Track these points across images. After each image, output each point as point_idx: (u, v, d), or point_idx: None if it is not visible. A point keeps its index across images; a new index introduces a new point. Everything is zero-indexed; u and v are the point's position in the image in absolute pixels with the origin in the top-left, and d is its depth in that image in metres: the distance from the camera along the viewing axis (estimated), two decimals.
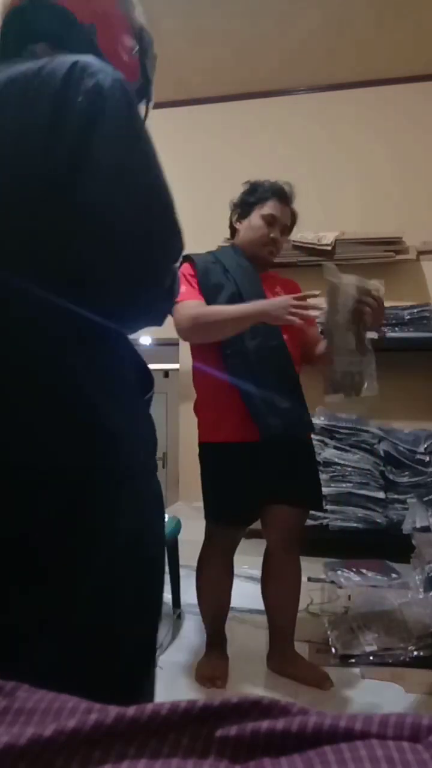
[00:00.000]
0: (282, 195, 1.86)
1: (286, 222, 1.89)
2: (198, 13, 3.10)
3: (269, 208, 1.85)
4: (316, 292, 1.66)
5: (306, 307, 1.59)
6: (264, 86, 3.71)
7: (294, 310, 1.57)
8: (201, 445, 1.88)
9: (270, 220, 1.85)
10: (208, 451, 1.86)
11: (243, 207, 1.90)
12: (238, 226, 1.93)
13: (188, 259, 1.86)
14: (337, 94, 3.69)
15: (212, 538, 1.91)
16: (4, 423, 0.72)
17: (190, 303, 1.74)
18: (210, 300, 1.78)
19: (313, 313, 1.61)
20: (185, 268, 1.84)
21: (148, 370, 0.89)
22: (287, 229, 1.91)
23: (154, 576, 0.85)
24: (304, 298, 1.63)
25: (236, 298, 1.78)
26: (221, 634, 1.98)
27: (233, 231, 1.97)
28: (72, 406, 0.75)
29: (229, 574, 1.94)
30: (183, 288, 1.78)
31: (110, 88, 0.75)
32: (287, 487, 1.81)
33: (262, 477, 1.78)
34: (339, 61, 3.47)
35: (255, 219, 1.87)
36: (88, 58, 0.77)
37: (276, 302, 1.63)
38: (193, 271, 1.83)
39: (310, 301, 1.63)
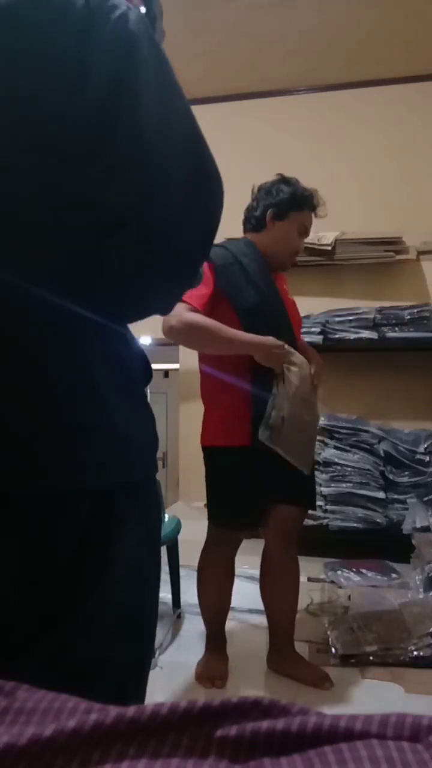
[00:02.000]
0: (315, 209, 1.91)
1: (309, 234, 1.95)
2: (198, 14, 3.10)
3: (306, 220, 1.88)
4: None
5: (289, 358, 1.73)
6: (264, 86, 3.71)
7: (281, 360, 1.71)
8: (207, 448, 1.86)
9: (302, 232, 1.88)
10: (214, 455, 1.85)
11: (281, 207, 1.85)
12: (270, 224, 1.86)
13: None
14: (337, 94, 3.69)
15: (214, 539, 1.91)
16: (8, 435, 0.65)
17: (189, 305, 1.72)
18: (232, 303, 1.77)
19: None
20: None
21: (147, 358, 0.82)
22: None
23: (152, 588, 0.82)
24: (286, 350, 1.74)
25: (264, 306, 1.79)
26: (221, 634, 1.97)
27: (260, 225, 1.88)
28: (87, 411, 0.68)
29: (230, 576, 1.94)
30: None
31: (137, 22, 0.66)
32: (288, 488, 1.80)
33: (266, 480, 1.76)
34: (339, 61, 3.47)
35: (290, 227, 1.86)
36: None
37: (268, 346, 1.71)
38: (211, 271, 1.77)
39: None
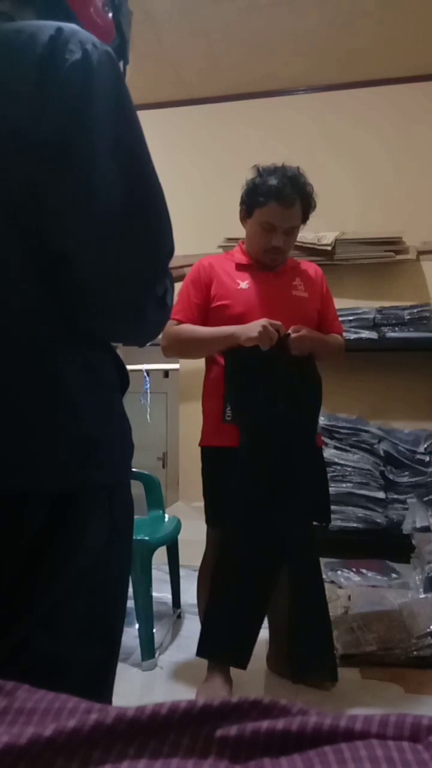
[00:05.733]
0: (281, 197, 1.69)
1: (290, 224, 1.75)
2: (198, 14, 3.10)
3: (267, 214, 1.71)
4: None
5: (274, 331, 1.62)
6: (264, 86, 3.70)
7: (263, 332, 1.61)
8: (201, 448, 1.84)
9: (268, 228, 1.73)
10: (207, 455, 1.83)
11: (246, 205, 1.78)
12: (243, 225, 1.83)
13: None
14: (337, 94, 3.68)
15: (212, 547, 1.83)
16: None
17: (173, 320, 1.77)
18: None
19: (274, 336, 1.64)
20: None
21: (126, 368, 0.87)
22: (294, 228, 1.78)
23: (116, 591, 0.83)
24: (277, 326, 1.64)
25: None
26: None
27: (243, 223, 1.85)
28: (62, 419, 0.73)
29: None
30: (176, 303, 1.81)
31: (99, 62, 0.72)
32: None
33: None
34: (339, 61, 3.47)
35: (254, 224, 1.76)
36: (72, 26, 0.73)
37: (246, 327, 1.65)
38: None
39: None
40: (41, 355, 0.72)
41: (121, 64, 0.84)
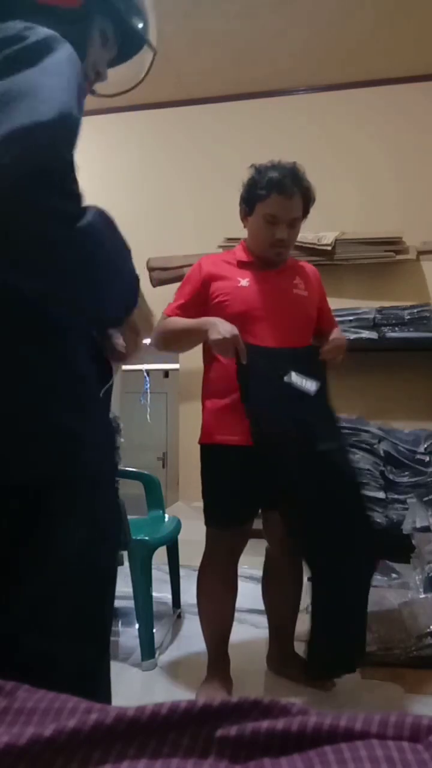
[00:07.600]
0: (282, 188, 1.69)
1: (292, 215, 1.74)
2: (198, 14, 3.09)
3: (269, 206, 1.71)
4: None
5: (232, 346, 1.60)
6: (264, 86, 3.70)
7: (221, 342, 1.59)
8: (200, 446, 1.83)
9: (271, 220, 1.73)
10: (206, 452, 1.82)
11: (247, 203, 1.77)
12: (244, 223, 1.82)
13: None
14: (337, 94, 3.68)
15: (212, 544, 1.82)
16: None
17: (163, 316, 1.79)
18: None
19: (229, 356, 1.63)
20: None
21: (105, 358, 0.86)
22: (296, 220, 1.77)
23: (102, 589, 0.83)
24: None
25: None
26: (224, 655, 1.83)
27: (244, 224, 1.84)
28: (26, 412, 0.72)
29: (230, 590, 1.82)
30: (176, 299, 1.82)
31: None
32: (277, 494, 1.73)
33: (260, 482, 1.70)
34: (339, 61, 3.47)
35: (257, 218, 1.75)
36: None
37: (215, 327, 1.61)
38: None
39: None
40: (11, 348, 0.72)
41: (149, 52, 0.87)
